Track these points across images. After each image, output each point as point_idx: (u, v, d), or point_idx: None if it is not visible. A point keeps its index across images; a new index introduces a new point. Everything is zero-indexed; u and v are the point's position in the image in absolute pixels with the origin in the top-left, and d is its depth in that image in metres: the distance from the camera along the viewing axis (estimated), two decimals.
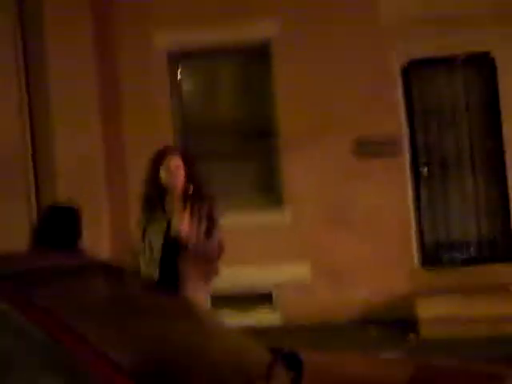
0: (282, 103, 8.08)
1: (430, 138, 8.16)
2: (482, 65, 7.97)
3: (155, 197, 4.73)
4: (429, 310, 7.19)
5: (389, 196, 7.89)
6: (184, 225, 4.37)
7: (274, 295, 8.06)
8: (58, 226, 4.65)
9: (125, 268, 3.49)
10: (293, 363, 2.92)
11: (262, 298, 8.01)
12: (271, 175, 8.27)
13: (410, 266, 7.92)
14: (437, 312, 7.14)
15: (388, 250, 7.81)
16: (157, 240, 4.68)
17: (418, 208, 8.08)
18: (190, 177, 4.72)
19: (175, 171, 4.69)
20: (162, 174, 4.71)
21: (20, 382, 2.32)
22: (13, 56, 8.16)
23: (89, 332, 2.40)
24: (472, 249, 8.01)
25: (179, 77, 8.39)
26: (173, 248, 4.50)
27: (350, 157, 7.99)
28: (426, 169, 8.12)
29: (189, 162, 4.80)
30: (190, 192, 4.68)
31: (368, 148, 7.95)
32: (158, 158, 4.76)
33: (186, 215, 4.39)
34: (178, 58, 8.31)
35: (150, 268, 4.66)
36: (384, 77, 7.93)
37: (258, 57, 8.30)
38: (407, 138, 8.08)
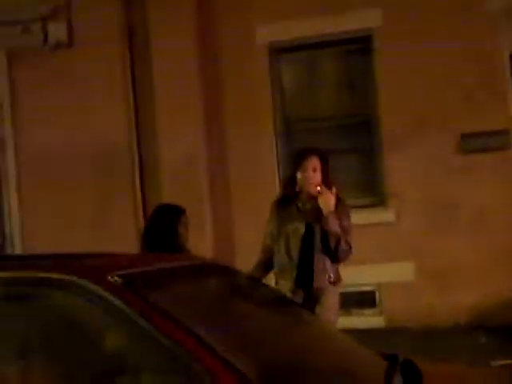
0: (384, 96, 7.82)
1: None
2: None
3: (290, 197, 4.85)
4: None
5: (497, 193, 7.51)
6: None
7: (377, 296, 7.79)
8: (163, 225, 4.78)
9: (239, 270, 3.36)
10: (409, 373, 2.75)
11: (365, 298, 7.75)
12: (373, 172, 8.01)
13: None
14: None
15: (496, 252, 7.43)
16: (294, 243, 4.73)
17: None
18: (325, 178, 4.80)
19: (311, 174, 4.76)
20: (299, 175, 4.80)
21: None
22: (120, 54, 8.30)
23: (210, 336, 2.27)
24: None
25: (280, 70, 8.24)
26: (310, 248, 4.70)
27: (456, 152, 7.64)
28: None
29: (326, 164, 4.85)
30: (315, 193, 4.75)
31: (474, 142, 7.56)
32: (298, 159, 4.88)
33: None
34: (279, 51, 8.16)
35: (285, 266, 4.74)
36: (491, 65, 7.58)
37: (359, 49, 8.07)
38: None
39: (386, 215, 7.81)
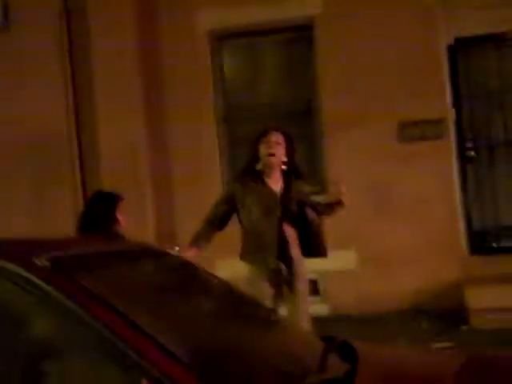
0: (324, 84, 7.85)
1: (478, 119, 7.83)
2: None
3: (254, 169, 4.91)
4: (479, 300, 6.89)
5: (435, 180, 7.62)
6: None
7: (320, 284, 7.81)
8: (100, 210, 4.82)
9: (168, 252, 3.31)
10: (346, 354, 2.81)
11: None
12: (315, 159, 8.04)
13: (459, 254, 7.62)
14: (488, 301, 6.83)
15: (435, 237, 7.54)
16: (258, 208, 4.83)
17: (465, 193, 7.77)
18: (289, 155, 4.93)
19: (274, 146, 4.82)
20: (262, 148, 4.86)
21: (69, 368, 2.19)
22: (57, 41, 8.15)
23: (141, 319, 2.23)
24: None
25: (221, 58, 8.19)
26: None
27: (395, 140, 7.72)
28: (472, 152, 7.79)
29: (289, 141, 4.96)
30: (285, 168, 4.90)
31: (413, 130, 7.66)
32: (260, 134, 4.96)
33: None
34: (219, 38, 8.13)
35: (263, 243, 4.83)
36: (430, 56, 7.67)
37: (300, 36, 8.09)
38: (453, 120, 7.75)
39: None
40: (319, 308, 7.51)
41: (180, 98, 8.01)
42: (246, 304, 3.11)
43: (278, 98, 8.13)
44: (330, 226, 7.52)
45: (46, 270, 2.27)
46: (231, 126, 8.14)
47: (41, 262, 2.30)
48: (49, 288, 2.18)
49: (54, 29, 8.17)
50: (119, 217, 4.86)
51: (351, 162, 7.73)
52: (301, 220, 4.96)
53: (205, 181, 7.96)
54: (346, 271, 7.68)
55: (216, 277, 3.18)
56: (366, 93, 7.71)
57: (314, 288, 7.78)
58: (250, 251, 4.87)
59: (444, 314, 7.05)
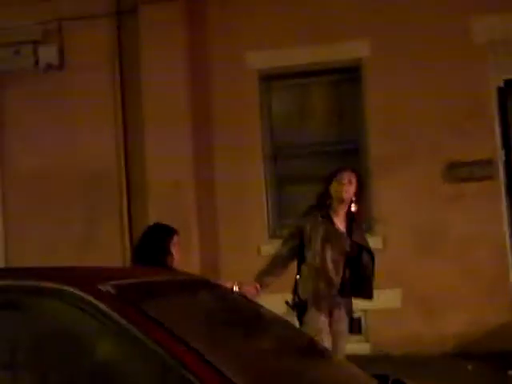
0: (372, 125, 7.89)
1: None
2: None
3: (323, 205, 4.99)
4: None
5: (483, 221, 7.55)
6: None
7: (363, 322, 7.76)
8: (155, 243, 4.85)
9: (222, 285, 3.36)
10: None
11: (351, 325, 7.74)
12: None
13: (507, 297, 7.49)
14: None
15: (482, 279, 7.45)
16: (325, 244, 4.93)
17: None
18: (358, 196, 5.03)
19: (347, 184, 4.92)
20: (334, 185, 4.96)
21: None
22: (110, 79, 8.38)
23: (201, 347, 2.26)
24: None
25: (270, 97, 8.30)
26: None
27: (443, 180, 7.69)
28: None
29: (361, 183, 5.09)
30: (354, 209, 4.99)
31: (461, 171, 7.63)
32: (335, 171, 5.06)
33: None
34: (268, 77, 8.24)
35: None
36: (479, 98, 7.67)
37: (348, 78, 8.16)
38: (502, 161, 7.71)
39: (373, 242, 7.79)
40: (361, 346, 7.46)
41: (228, 136, 8.11)
42: (300, 338, 3.13)
43: (325, 138, 8.18)
44: (378, 264, 7.56)
45: (111, 297, 2.33)
46: (278, 164, 8.21)
47: (105, 288, 2.37)
48: (113, 314, 2.24)
49: (106, 68, 8.38)
50: (173, 250, 4.88)
51: (398, 202, 7.72)
52: (355, 262, 4.97)
53: (249, 218, 8.03)
54: (390, 310, 7.62)
55: (269, 310, 3.21)
56: (414, 133, 7.73)
57: (357, 326, 7.73)
58: (314, 287, 4.92)
59: (490, 357, 6.92)
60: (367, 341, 7.72)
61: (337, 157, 8.06)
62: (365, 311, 7.63)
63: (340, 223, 4.99)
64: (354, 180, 4.99)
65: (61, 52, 8.40)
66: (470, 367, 6.89)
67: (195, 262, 7.72)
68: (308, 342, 3.24)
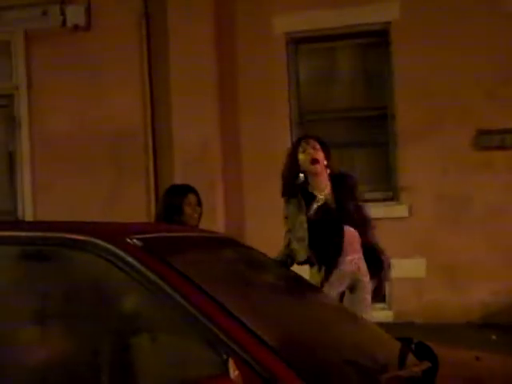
0: (400, 91, 7.78)
1: None
2: None
3: (294, 179, 4.71)
4: None
5: (511, 191, 7.43)
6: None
7: (386, 290, 7.73)
8: (168, 203, 4.86)
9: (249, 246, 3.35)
10: (424, 355, 2.78)
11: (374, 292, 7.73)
12: (388, 166, 7.97)
13: None
14: None
15: (508, 250, 7.36)
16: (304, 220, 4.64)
17: None
18: (328, 160, 4.72)
19: (313, 152, 4.65)
20: (301, 156, 4.68)
21: (157, 343, 2.24)
22: (137, 40, 8.35)
23: (228, 301, 2.26)
24: None
25: (297, 61, 8.20)
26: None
27: (471, 148, 7.59)
28: None
29: (326, 147, 4.77)
30: (330, 172, 4.71)
31: (490, 139, 7.52)
32: (297, 143, 4.81)
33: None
34: (296, 41, 8.15)
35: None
36: (509, 65, 7.48)
37: (377, 42, 8.04)
38: None
39: (398, 210, 7.77)
40: (384, 314, 7.45)
41: (254, 99, 8.07)
42: (325, 301, 3.13)
43: (352, 103, 8.10)
44: (403, 234, 7.54)
45: (138, 249, 2.33)
46: (304, 129, 8.16)
47: (133, 241, 2.37)
48: (140, 266, 2.24)
49: (133, 29, 8.37)
50: (187, 208, 4.83)
51: (425, 171, 7.65)
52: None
53: (276, 183, 7.98)
54: (414, 279, 7.59)
55: (297, 274, 3.20)
56: (443, 100, 7.62)
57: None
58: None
59: None
60: (390, 309, 7.70)
61: (364, 123, 8.00)
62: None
63: (320, 192, 4.68)
64: (318, 146, 4.69)
65: (88, 13, 8.38)
66: (494, 337, 6.86)
67: (219, 225, 7.74)
68: (332, 304, 3.23)
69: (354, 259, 4.63)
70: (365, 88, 8.14)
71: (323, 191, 4.69)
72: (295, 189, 4.70)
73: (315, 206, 4.64)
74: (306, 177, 4.70)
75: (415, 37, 7.68)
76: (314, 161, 4.64)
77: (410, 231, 7.61)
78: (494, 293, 7.33)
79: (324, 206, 4.65)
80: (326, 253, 4.59)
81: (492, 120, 7.49)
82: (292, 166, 4.73)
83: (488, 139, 7.54)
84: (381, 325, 4.81)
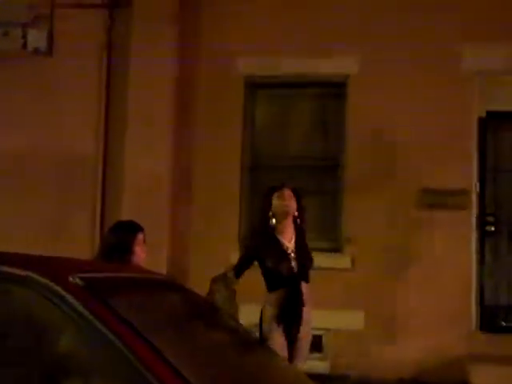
0: (352, 142, 7.90)
1: (501, 194, 7.84)
2: None
3: (267, 224, 5.02)
4: (482, 378, 6.80)
5: (451, 250, 7.58)
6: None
7: (324, 341, 7.74)
8: (116, 241, 4.72)
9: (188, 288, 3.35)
10: None
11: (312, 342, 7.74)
12: (334, 216, 8.02)
13: (467, 327, 7.54)
14: (490, 381, 6.74)
15: (445, 308, 7.48)
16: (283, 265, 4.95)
17: (481, 266, 7.72)
18: (300, 209, 5.08)
19: (288, 199, 4.99)
20: (275, 201, 5.00)
21: None
22: (96, 69, 8.36)
23: (164, 346, 2.26)
24: None
25: (254, 105, 8.29)
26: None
27: (415, 205, 7.71)
28: (492, 227, 7.77)
29: (299, 196, 5.13)
30: (299, 223, 5.06)
31: (434, 198, 7.67)
32: (272, 189, 5.11)
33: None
34: (254, 85, 8.23)
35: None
36: (460, 126, 7.68)
37: (334, 93, 8.17)
38: (476, 193, 7.76)
39: (342, 261, 7.83)
40: (320, 365, 7.45)
41: (209, 138, 8.08)
42: (254, 343, 3.13)
43: (306, 151, 8.16)
44: (345, 285, 7.58)
45: (79, 289, 2.30)
46: (256, 173, 8.19)
47: (75, 280, 2.34)
48: (80, 307, 2.21)
49: (94, 58, 8.34)
50: (137, 248, 4.79)
51: (369, 222, 7.73)
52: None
53: (224, 224, 8.00)
54: (352, 331, 7.63)
55: (233, 318, 3.20)
56: (392, 155, 7.75)
57: (318, 344, 7.72)
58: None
59: None
60: (326, 360, 7.69)
61: (316, 171, 8.06)
62: (326, 330, 7.61)
63: (288, 241, 5.02)
64: (293, 197, 5.06)
65: (50, 37, 8.34)
66: None
67: (164, 259, 7.68)
68: (262, 350, 3.25)
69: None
70: (319, 137, 8.22)
71: (290, 242, 5.01)
72: (267, 229, 4.99)
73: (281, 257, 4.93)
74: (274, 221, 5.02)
75: (371, 92, 7.81)
76: (286, 211, 4.98)
77: (352, 283, 7.66)
78: (426, 349, 7.39)
79: (288, 260, 4.95)
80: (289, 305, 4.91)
81: (436, 180, 7.61)
82: (266, 210, 5.03)
83: (431, 198, 7.69)
84: (312, 376, 4.84)
